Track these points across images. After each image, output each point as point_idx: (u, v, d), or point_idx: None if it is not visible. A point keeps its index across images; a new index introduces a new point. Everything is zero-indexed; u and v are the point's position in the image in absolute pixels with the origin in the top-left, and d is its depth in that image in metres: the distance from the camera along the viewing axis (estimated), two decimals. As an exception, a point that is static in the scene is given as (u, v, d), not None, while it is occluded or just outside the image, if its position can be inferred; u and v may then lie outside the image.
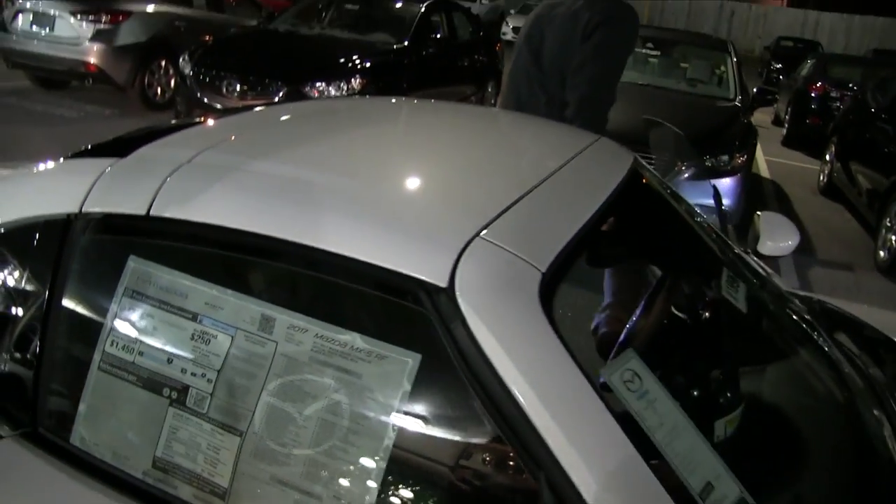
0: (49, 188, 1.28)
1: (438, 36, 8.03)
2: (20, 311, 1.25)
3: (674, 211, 1.82)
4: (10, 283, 1.28)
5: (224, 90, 6.38)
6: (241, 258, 1.13)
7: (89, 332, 1.17)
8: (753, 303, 1.72)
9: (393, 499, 0.98)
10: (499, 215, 1.10)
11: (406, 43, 7.08)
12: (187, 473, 1.07)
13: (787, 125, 11.09)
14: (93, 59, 7.40)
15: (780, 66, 16.57)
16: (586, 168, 1.48)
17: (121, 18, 7.55)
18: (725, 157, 5.13)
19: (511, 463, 0.95)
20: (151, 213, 1.15)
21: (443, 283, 0.98)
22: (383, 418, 0.98)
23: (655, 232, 1.77)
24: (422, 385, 0.99)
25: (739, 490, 0.97)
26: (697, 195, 4.84)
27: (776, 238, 2.42)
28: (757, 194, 7.88)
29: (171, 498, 1.07)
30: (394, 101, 2.05)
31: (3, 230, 1.28)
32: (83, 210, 1.21)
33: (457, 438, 1.03)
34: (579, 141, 1.69)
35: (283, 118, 1.68)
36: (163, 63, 7.94)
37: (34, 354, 1.20)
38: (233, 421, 1.04)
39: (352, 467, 0.98)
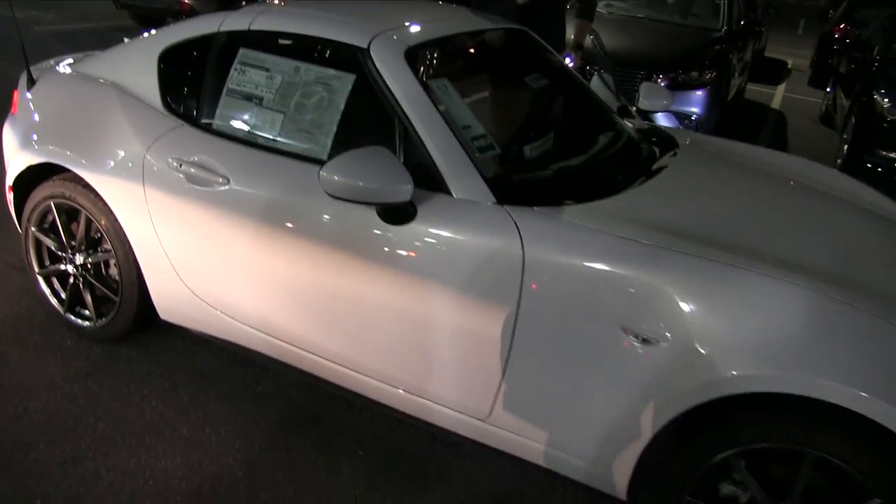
0: (206, 22, 2.76)
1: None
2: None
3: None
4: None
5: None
6: (273, 42, 2.56)
7: (224, 72, 2.63)
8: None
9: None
10: (401, 27, 2.52)
11: None
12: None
13: (811, 66, 11.96)
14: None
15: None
16: (481, 19, 2.92)
17: (214, -37, 9.12)
18: (695, 74, 6.33)
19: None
20: (251, 28, 2.61)
21: (364, 46, 2.39)
22: (337, 106, 2.41)
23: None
24: (354, 93, 2.41)
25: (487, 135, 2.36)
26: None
27: (652, 99, 3.69)
28: (760, 121, 8.97)
29: None
30: None
31: (182, 41, 2.79)
32: (220, 29, 2.68)
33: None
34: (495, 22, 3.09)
35: None
36: (243, 3, 9.47)
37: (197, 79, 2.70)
38: (278, 110, 2.49)
39: (317, 120, 2.43)
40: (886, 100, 6.50)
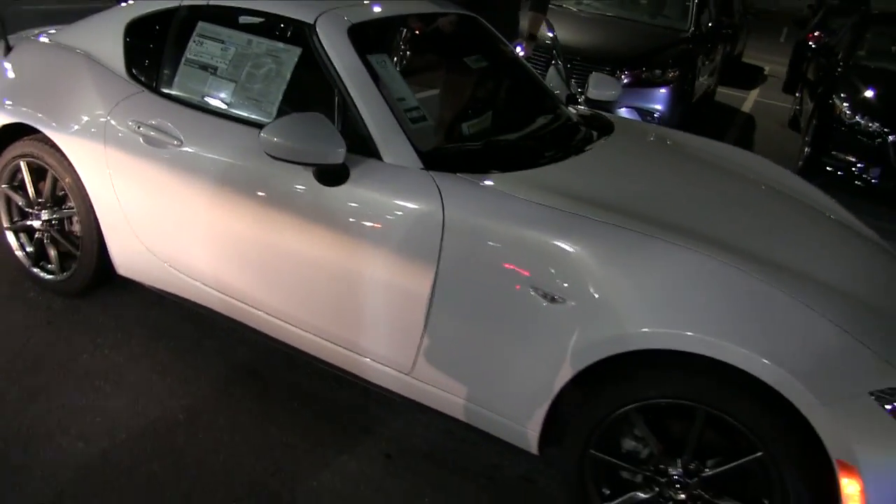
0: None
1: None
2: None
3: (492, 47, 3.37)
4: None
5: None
6: (229, 17, 2.75)
7: (183, 44, 2.81)
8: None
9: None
10: (348, 5, 2.70)
11: None
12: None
13: (787, 72, 12.18)
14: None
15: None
16: (429, 3, 3.10)
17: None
18: (658, 71, 6.54)
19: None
20: (209, 3, 2.79)
21: (311, 21, 2.58)
22: (284, 77, 2.59)
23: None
24: (301, 64, 2.59)
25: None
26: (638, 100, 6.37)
27: (601, 89, 3.87)
28: (728, 122, 9.21)
29: None
30: None
31: (147, 14, 2.96)
32: (182, 4, 2.85)
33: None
34: (444, 7, 3.27)
35: None
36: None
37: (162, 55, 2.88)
38: (230, 79, 2.67)
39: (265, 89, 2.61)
40: (846, 104, 6.73)
